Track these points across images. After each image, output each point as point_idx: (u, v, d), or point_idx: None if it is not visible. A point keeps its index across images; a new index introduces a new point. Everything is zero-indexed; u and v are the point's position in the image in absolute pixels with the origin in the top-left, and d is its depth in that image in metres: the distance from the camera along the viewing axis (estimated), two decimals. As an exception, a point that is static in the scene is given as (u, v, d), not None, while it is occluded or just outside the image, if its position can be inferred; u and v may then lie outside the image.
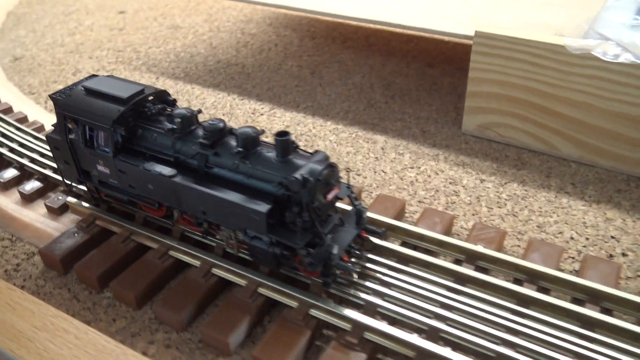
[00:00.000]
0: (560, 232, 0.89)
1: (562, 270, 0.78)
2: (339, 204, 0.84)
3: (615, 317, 0.70)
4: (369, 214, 0.87)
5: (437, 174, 1.04)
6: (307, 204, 0.68)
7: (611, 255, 0.84)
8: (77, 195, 0.95)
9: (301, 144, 1.15)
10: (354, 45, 1.61)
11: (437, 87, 1.35)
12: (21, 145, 1.10)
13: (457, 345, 0.68)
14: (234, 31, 1.77)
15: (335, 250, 0.69)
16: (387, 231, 0.86)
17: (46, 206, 0.96)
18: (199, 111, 0.81)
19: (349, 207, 0.82)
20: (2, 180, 1.02)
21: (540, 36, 0.97)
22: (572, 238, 0.88)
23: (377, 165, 1.08)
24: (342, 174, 0.76)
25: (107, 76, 0.88)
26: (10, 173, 1.04)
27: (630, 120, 0.95)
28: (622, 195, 0.96)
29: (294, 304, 0.74)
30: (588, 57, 0.88)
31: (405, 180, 1.03)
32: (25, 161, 1.05)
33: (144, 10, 2.01)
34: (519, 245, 0.87)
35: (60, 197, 0.96)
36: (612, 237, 0.88)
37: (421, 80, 1.39)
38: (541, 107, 1.03)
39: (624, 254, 0.85)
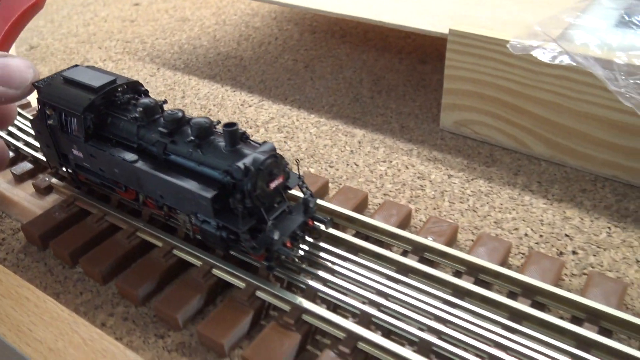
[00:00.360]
0: (515, 229, 0.91)
1: (505, 265, 0.80)
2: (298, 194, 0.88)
3: (546, 312, 0.72)
4: (330, 205, 0.90)
5: (408, 168, 1.07)
6: (249, 192, 0.72)
7: (561, 253, 0.86)
8: (61, 178, 1.02)
9: (281, 135, 1.19)
10: (352, 40, 1.64)
11: (425, 83, 1.37)
12: (18, 129, 1.18)
13: (388, 331, 0.71)
14: (238, 24, 1.82)
15: (275, 236, 0.73)
16: (346, 222, 0.89)
17: (34, 186, 1.04)
18: (164, 101, 0.86)
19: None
20: (-2, 162, 1.10)
21: (501, 34, 0.98)
22: (526, 235, 0.89)
23: (350, 158, 1.11)
24: (293, 164, 0.79)
25: (87, 66, 0.94)
26: (7, 155, 1.12)
27: (596, 120, 0.96)
28: (585, 195, 0.97)
29: (242, 285, 0.79)
30: (529, 58, 0.89)
31: (375, 174, 1.06)
32: (20, 144, 1.12)
33: (158, 2, 2.08)
34: (472, 240, 0.89)
35: (47, 179, 1.03)
36: (567, 235, 0.89)
37: (410, 77, 1.41)
38: (513, 106, 1.04)
39: (574, 252, 0.86)
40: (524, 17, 1.09)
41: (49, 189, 1.03)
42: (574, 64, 0.80)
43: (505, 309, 0.72)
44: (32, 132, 1.14)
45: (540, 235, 0.89)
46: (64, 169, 0.98)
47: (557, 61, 0.81)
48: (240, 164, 0.71)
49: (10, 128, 1.18)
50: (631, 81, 0.71)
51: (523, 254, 0.86)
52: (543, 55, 0.83)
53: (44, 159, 1.07)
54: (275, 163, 0.74)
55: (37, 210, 1.00)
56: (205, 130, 0.77)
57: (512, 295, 0.76)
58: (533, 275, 0.77)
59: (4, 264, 0.89)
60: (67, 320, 0.70)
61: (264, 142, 0.77)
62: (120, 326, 0.79)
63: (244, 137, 0.78)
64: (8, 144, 1.14)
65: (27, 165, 1.08)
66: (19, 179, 1.06)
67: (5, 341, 0.68)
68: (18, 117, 1.21)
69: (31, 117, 1.21)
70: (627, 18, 0.85)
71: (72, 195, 0.98)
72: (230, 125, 0.74)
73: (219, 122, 0.80)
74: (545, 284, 0.74)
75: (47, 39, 1.80)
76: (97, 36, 1.81)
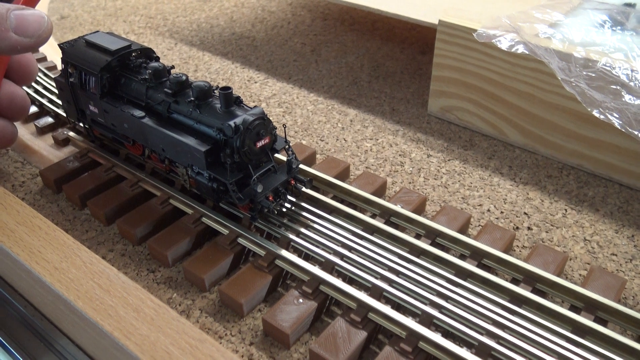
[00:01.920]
0: (480, 205, 1.00)
1: (461, 232, 0.89)
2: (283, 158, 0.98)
3: (492, 274, 0.81)
4: (313, 171, 1.00)
5: (391, 146, 1.16)
6: (237, 148, 0.82)
7: (517, 228, 0.94)
8: (78, 132, 1.13)
9: (281, 110, 1.29)
10: (359, 28, 1.73)
11: (421, 72, 1.46)
12: (44, 87, 1.29)
13: (349, 279, 0.81)
14: (255, 8, 1.92)
15: (259, 189, 0.83)
16: (327, 187, 0.99)
17: (53, 138, 1.15)
18: (172, 67, 0.97)
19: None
20: (23, 115, 1.22)
21: (476, 25, 1.06)
22: (488, 210, 0.98)
23: (341, 134, 1.20)
24: (280, 129, 0.89)
25: (107, 33, 1.05)
26: (31, 109, 1.24)
27: (565, 112, 1.04)
28: (550, 180, 1.05)
29: (225, 232, 0.89)
30: (492, 45, 0.96)
31: (361, 149, 1.15)
32: (44, 100, 1.24)
33: (182, -18, 2.18)
34: (437, 211, 0.98)
35: (65, 132, 1.15)
36: (525, 213, 0.97)
37: (408, 65, 1.49)
38: (492, 95, 1.13)
39: (529, 228, 0.94)
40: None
41: (66, 141, 1.14)
42: (527, 52, 0.88)
43: (453, 267, 0.81)
44: (55, 90, 1.27)
45: (501, 212, 0.98)
46: (81, 124, 1.09)
47: (513, 49, 0.90)
48: (232, 123, 0.81)
49: (36, 86, 1.30)
50: (584, 72, 0.79)
51: (482, 226, 0.95)
52: (502, 43, 0.91)
53: (63, 114, 1.19)
54: (262, 125, 0.84)
55: (54, 159, 1.11)
56: (204, 93, 0.88)
57: (462, 257, 0.85)
58: (484, 241, 0.86)
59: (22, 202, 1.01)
60: (72, 246, 0.82)
61: (255, 107, 0.87)
62: (118, 260, 0.90)
63: (238, 101, 0.88)
64: (34, 99, 1.26)
65: (48, 120, 1.20)
66: (41, 131, 1.18)
67: (19, 259, 0.79)
68: (43, 77, 1.33)
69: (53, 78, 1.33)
70: (595, 18, 0.93)
71: (86, 147, 1.09)
72: (225, 89, 0.85)
73: (217, 87, 0.91)
74: (493, 249, 0.83)
75: (77, 11, 1.93)
76: (123, 10, 1.92)
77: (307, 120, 1.25)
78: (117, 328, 0.69)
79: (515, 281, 0.81)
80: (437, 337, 0.70)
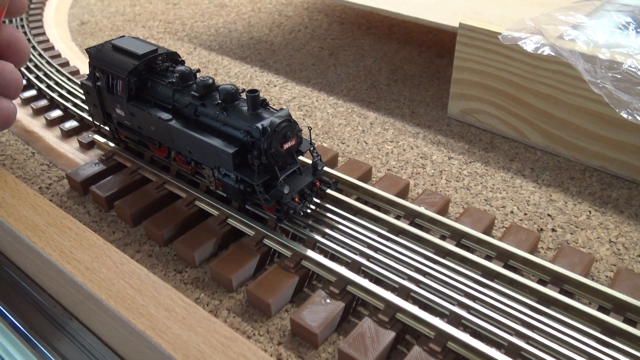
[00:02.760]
0: (503, 206, 1.00)
1: (486, 234, 0.89)
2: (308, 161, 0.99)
3: (518, 273, 0.81)
4: (336, 173, 1.01)
5: (412, 148, 1.17)
6: (264, 150, 0.83)
7: (541, 229, 0.94)
8: (103, 135, 1.15)
9: (301, 113, 1.30)
10: (376, 32, 1.74)
11: (440, 75, 1.46)
12: (69, 92, 1.31)
13: (376, 279, 0.82)
14: (272, 12, 1.94)
15: (285, 190, 0.84)
16: (350, 189, 1.00)
17: (78, 141, 1.17)
18: (198, 70, 0.98)
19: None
20: (48, 118, 1.24)
21: (501, 29, 1.07)
22: (511, 212, 0.98)
23: (361, 136, 1.21)
24: (306, 131, 0.90)
25: (133, 37, 1.06)
26: (56, 113, 1.26)
27: (587, 114, 1.04)
28: (573, 182, 1.05)
29: (251, 233, 0.90)
30: (514, 48, 0.97)
31: (382, 151, 1.16)
32: (69, 104, 1.26)
33: (199, -12, 2.21)
34: (460, 213, 0.98)
35: (90, 135, 1.17)
36: (549, 215, 0.98)
37: (427, 69, 1.50)
38: (513, 97, 1.13)
39: (553, 230, 0.94)
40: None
41: (91, 144, 1.16)
42: (553, 54, 0.88)
43: (480, 268, 0.82)
44: (80, 94, 1.29)
45: (525, 214, 0.98)
46: (107, 127, 1.11)
47: (539, 51, 0.90)
48: (259, 125, 0.82)
49: (61, 90, 1.32)
50: (609, 74, 0.80)
51: (506, 227, 0.95)
52: (527, 45, 0.92)
53: (89, 118, 1.21)
54: (289, 127, 0.85)
55: (79, 161, 1.13)
56: (231, 96, 0.89)
57: (488, 258, 0.85)
58: (510, 243, 0.86)
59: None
60: (102, 247, 0.83)
61: (281, 109, 0.88)
62: (145, 261, 0.91)
63: (264, 104, 0.89)
64: (58, 103, 1.28)
65: (73, 123, 1.22)
66: (66, 134, 1.20)
67: (50, 259, 0.81)
68: (67, 82, 1.35)
69: (79, 82, 1.35)
70: (619, 20, 0.93)
71: (111, 150, 1.11)
72: (252, 91, 0.86)
73: (243, 90, 0.92)
74: (519, 251, 0.83)
75: (96, 16, 1.95)
76: (142, 16, 1.95)
77: (328, 123, 1.26)
78: (150, 327, 0.70)
79: (542, 282, 0.81)
80: (466, 337, 0.70)
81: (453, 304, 0.76)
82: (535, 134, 1.13)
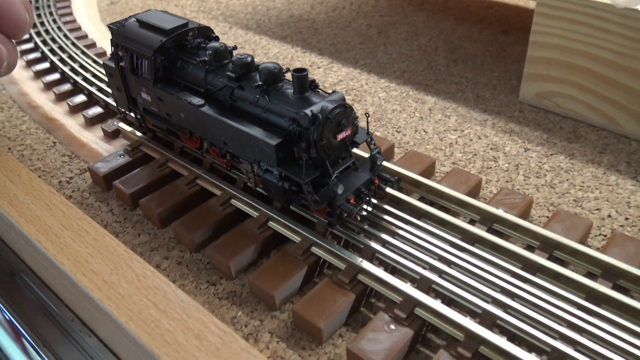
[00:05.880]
0: (597, 209, 0.83)
1: (582, 244, 0.73)
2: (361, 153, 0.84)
3: (628, 296, 0.65)
4: (395, 167, 0.86)
5: (480, 138, 1.00)
6: (315, 141, 0.69)
7: (649, 238, 0.77)
8: (129, 123, 1.03)
9: (349, 98, 1.15)
10: (430, 8, 1.57)
11: (506, 54, 1.29)
12: (93, 75, 1.20)
13: (450, 301, 0.67)
14: (313, -12, 1.78)
15: (339, 190, 0.70)
16: (411, 186, 0.85)
17: (102, 130, 1.05)
18: (234, 47, 0.84)
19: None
20: (71, 104, 1.12)
21: None
22: (609, 216, 0.82)
23: (420, 124, 1.05)
24: (362, 119, 0.75)
25: (161, 11, 0.93)
26: (80, 98, 1.14)
27: (702, 97, 0.86)
28: (681, 179, 0.87)
29: (297, 239, 0.76)
30: (608, 19, 0.79)
31: (445, 142, 1.00)
32: (93, 89, 1.14)
33: (234, -35, 2.07)
34: (547, 217, 0.82)
35: (114, 123, 1.04)
36: (657, 220, 0.80)
37: (490, 47, 1.32)
38: (604, 78, 0.95)
39: (664, 239, 0.77)
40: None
41: (116, 133, 1.04)
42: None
43: (582, 290, 0.66)
44: (105, 77, 1.17)
45: (626, 218, 0.81)
46: (132, 114, 0.98)
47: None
48: (308, 112, 0.68)
49: (85, 73, 1.20)
50: None
51: (605, 235, 0.78)
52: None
53: (113, 104, 1.08)
54: (344, 113, 0.71)
55: (103, 152, 1.01)
56: (273, 76, 0.75)
57: (590, 275, 0.69)
58: (616, 256, 0.70)
59: (69, 201, 0.91)
60: (123, 255, 0.70)
61: (334, 92, 0.73)
62: (174, 269, 0.78)
63: (313, 85, 0.75)
64: (82, 87, 1.17)
65: (97, 110, 1.10)
66: (90, 122, 1.08)
67: (63, 269, 0.69)
68: (92, 64, 1.23)
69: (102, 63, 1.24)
70: None
71: (138, 140, 0.98)
72: (300, 70, 0.71)
73: (288, 70, 0.77)
74: (631, 267, 0.67)
75: (126, -4, 1.84)
76: (174, -5, 1.82)
77: (380, 109, 1.11)
78: (176, 359, 0.57)
79: (663, 309, 0.64)
80: (574, 383, 0.55)
81: (555, 338, 0.60)
82: (631, 122, 0.96)
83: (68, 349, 0.75)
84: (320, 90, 0.75)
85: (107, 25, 0.92)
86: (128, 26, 0.89)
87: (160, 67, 0.84)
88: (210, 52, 0.80)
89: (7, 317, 0.84)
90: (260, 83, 0.75)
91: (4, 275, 0.84)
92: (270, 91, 0.75)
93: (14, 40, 0.84)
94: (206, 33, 0.88)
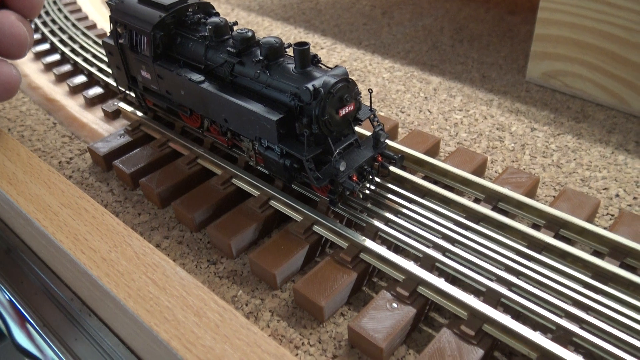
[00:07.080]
0: (605, 188, 0.81)
1: (589, 222, 0.71)
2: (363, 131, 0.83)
3: (636, 274, 0.63)
4: (399, 146, 0.84)
5: (486, 118, 0.98)
6: (316, 116, 0.67)
7: (658, 218, 0.76)
8: (129, 103, 1.01)
9: (353, 78, 1.13)
10: (435, -12, 1.54)
11: (512, 34, 1.26)
12: (93, 55, 1.18)
13: (454, 279, 0.66)
14: (317, -30, 1.75)
15: (341, 167, 0.68)
16: (415, 165, 0.83)
17: (103, 110, 1.04)
18: (235, 23, 0.82)
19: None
20: (72, 85, 1.11)
21: None
22: (617, 195, 0.80)
23: (424, 104, 1.04)
24: (364, 94, 0.74)
25: (160, -14, 0.91)
26: (80, 79, 1.13)
27: None
28: (691, 158, 0.85)
29: (299, 217, 0.75)
30: None
31: (450, 122, 0.98)
32: (93, 69, 1.13)
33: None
34: (553, 196, 0.81)
35: (115, 103, 1.03)
36: (666, 199, 0.79)
37: (496, 27, 1.30)
38: (614, 55, 0.93)
39: (673, 218, 0.76)
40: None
41: (116, 113, 1.03)
42: None
43: (589, 268, 0.64)
44: (105, 58, 1.15)
45: (634, 198, 0.79)
46: (132, 93, 0.97)
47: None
48: (310, 86, 0.66)
49: (85, 54, 1.19)
50: None
51: (612, 215, 0.77)
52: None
53: (114, 84, 1.07)
54: (347, 88, 0.69)
55: (104, 133, 1.00)
56: (275, 51, 0.73)
57: (597, 254, 0.68)
58: (624, 234, 0.68)
59: (69, 181, 0.90)
60: (122, 233, 0.69)
61: (336, 66, 0.72)
62: (174, 249, 0.77)
63: (315, 60, 0.73)
64: (82, 68, 1.15)
65: (98, 90, 1.08)
66: (90, 102, 1.07)
67: (62, 247, 0.68)
68: (93, 44, 1.22)
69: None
70: None
71: (138, 120, 0.97)
72: (301, 44, 0.69)
73: (289, 45, 0.76)
74: (635, 243, 0.65)
75: (127, -22, 1.81)
76: (176, -24, 1.80)
77: (384, 89, 1.09)
78: (175, 336, 0.56)
79: (672, 287, 0.63)
80: (567, 355, 0.54)
81: (560, 316, 0.59)
82: (640, 100, 0.94)
83: (68, 329, 0.74)
84: (322, 65, 0.74)
85: (106, 2, 0.91)
86: (127, 2, 0.87)
87: (159, 44, 0.83)
88: (211, 27, 0.78)
89: (8, 297, 0.84)
90: (261, 58, 0.73)
91: (1, 253, 0.83)
92: (271, 66, 0.73)
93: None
94: (206, 8, 0.87)
